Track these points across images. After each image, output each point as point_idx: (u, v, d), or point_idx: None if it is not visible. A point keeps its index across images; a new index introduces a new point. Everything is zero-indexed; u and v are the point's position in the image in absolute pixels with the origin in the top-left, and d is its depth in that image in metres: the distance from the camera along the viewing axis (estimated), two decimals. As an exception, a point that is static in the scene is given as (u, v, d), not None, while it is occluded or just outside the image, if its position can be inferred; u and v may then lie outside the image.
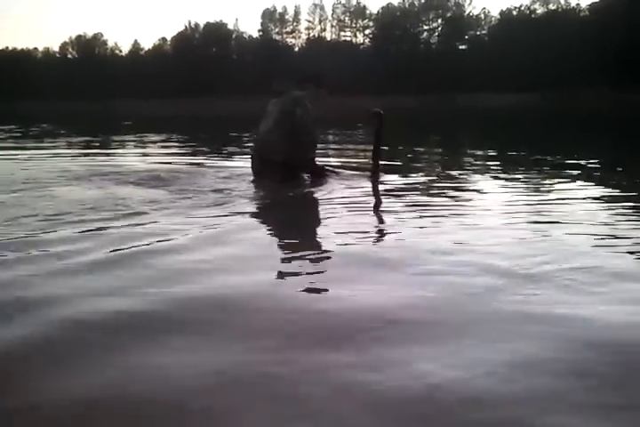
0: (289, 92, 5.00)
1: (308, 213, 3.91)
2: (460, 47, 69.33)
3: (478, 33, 70.73)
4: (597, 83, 46.10)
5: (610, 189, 4.74)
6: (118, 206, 3.79)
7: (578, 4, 65.46)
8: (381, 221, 3.55)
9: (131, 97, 61.28)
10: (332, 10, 78.15)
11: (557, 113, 25.08)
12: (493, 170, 5.89)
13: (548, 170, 5.95)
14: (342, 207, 3.79)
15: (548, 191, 4.58)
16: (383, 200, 4.25)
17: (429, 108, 36.25)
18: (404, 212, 3.63)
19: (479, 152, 8.04)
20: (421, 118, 24.83)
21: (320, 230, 3.29)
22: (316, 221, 3.56)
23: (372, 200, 4.36)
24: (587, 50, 51.70)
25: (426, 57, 65.87)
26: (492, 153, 8.01)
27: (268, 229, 3.41)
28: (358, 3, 76.58)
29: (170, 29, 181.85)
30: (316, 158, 5.26)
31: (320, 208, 3.90)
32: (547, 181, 5.16)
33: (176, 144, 10.60)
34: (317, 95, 5.06)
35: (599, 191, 4.58)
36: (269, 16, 78.71)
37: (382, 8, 74.52)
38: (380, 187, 4.81)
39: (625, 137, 11.66)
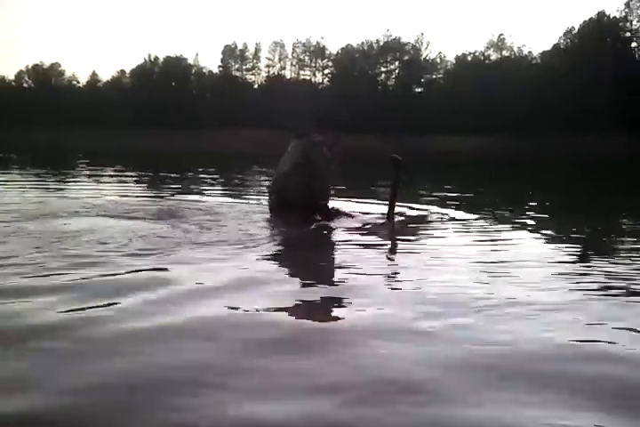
0: (310, 135, 5.07)
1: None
2: (417, 90, 70.96)
3: (434, 76, 72.56)
4: (552, 129, 47.57)
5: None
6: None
7: (530, 52, 67.56)
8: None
9: (86, 128, 60.52)
10: (293, 49, 79.41)
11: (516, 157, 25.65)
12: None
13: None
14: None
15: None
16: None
17: (389, 149, 36.68)
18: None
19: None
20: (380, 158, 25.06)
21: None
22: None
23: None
24: (542, 97, 53.31)
25: (384, 98, 67.11)
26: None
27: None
28: (318, 43, 78.04)
29: (129, 62, 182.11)
30: (332, 201, 5.28)
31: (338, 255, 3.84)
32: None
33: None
34: (336, 139, 5.19)
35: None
36: (230, 52, 79.35)
37: (341, 49, 76.07)
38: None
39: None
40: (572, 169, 20.19)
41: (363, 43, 74.71)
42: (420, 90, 70.86)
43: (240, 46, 79.48)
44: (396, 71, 73.00)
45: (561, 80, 52.39)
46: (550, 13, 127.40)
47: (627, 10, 57.20)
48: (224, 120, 64.31)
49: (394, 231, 4.83)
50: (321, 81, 78.18)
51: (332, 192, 5.33)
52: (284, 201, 5.04)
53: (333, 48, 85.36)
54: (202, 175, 12.34)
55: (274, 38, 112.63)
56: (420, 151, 34.32)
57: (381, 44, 73.18)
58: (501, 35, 68.49)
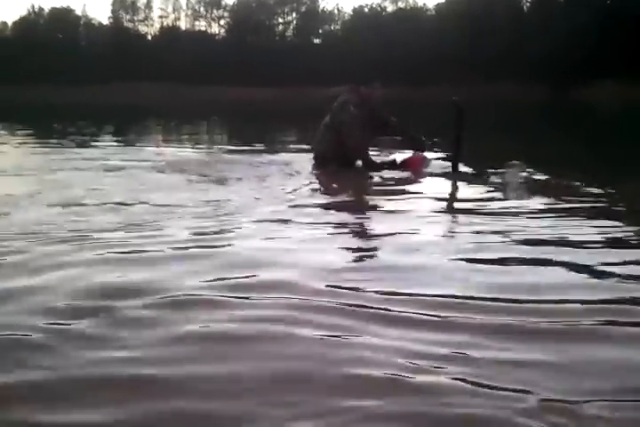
0: (339, 96, 5.41)
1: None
2: (315, 41, 70.42)
3: (332, 28, 72.14)
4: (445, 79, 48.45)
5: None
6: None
7: (424, 4, 68.32)
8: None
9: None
10: (186, -1, 76.49)
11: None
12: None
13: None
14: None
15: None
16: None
17: (288, 100, 36.49)
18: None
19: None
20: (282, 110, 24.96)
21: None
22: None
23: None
24: (435, 46, 54.08)
25: (281, 49, 66.26)
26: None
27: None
28: (213, -7, 75.51)
29: (11, 13, 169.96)
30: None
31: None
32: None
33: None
34: (368, 95, 5.36)
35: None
36: (120, 3, 75.58)
37: (238, -1, 74.09)
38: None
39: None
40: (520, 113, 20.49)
41: (259, -7, 73.04)
42: (318, 41, 70.38)
43: (131, -4, 75.82)
44: (294, 22, 72.08)
45: (457, 30, 53.31)
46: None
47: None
48: (117, 74, 61.55)
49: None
50: (217, 32, 76.22)
51: (373, 147, 5.60)
52: (322, 159, 5.43)
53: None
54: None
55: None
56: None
57: (278, -6, 71.80)
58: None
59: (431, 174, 5.09)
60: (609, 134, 11.19)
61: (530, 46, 47.73)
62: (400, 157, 5.50)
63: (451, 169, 5.02)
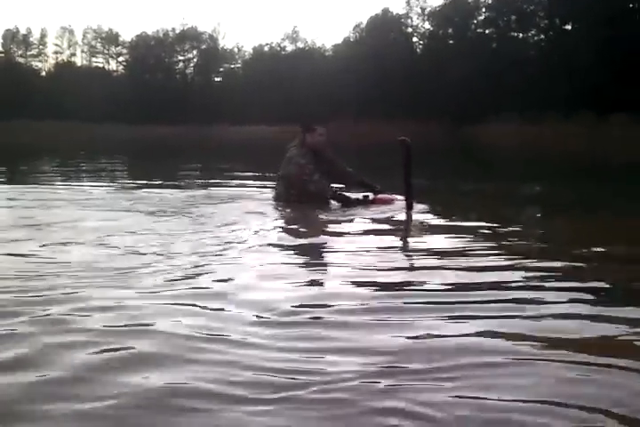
0: (288, 151, 5.62)
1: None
2: (216, 79, 70.77)
3: (233, 66, 72.79)
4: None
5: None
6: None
7: (323, 44, 70.15)
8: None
9: None
10: (83, 35, 75.11)
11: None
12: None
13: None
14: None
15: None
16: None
17: (189, 138, 36.32)
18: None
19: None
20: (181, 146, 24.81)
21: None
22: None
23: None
24: (332, 86, 55.43)
25: (182, 87, 66.13)
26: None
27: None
28: (110, 29, 74.69)
29: None
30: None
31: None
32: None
33: None
34: (314, 144, 5.57)
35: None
36: (11, 37, 73.22)
37: (136, 36, 73.55)
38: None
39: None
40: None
41: (158, 30, 72.93)
42: (219, 79, 70.76)
43: (23, 31, 73.60)
44: (195, 60, 72.24)
45: (352, 71, 54.91)
46: (340, 8, 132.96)
47: (407, 7, 61.37)
48: (8, 111, 59.16)
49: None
50: (115, 68, 75.14)
51: (331, 191, 5.56)
52: (283, 197, 5.63)
53: (127, 35, 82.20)
54: None
55: (61, 24, 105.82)
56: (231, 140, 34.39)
57: (177, 32, 71.93)
58: (295, 27, 70.50)
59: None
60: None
61: (426, 86, 49.93)
62: (370, 195, 5.67)
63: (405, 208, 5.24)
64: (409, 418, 1.51)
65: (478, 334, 2.10)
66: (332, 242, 4.02)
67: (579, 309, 2.37)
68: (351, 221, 4.83)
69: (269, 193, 6.06)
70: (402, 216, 5.07)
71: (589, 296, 2.56)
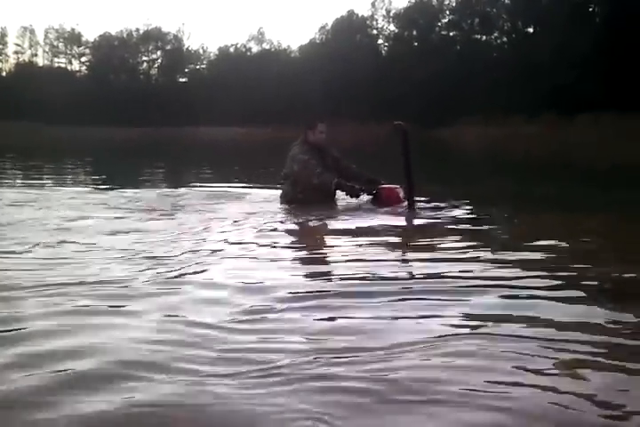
0: (291, 150, 5.66)
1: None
2: (181, 80, 70.30)
3: (198, 67, 72.39)
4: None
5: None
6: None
7: (289, 46, 70.19)
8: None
9: None
10: (45, 34, 73.93)
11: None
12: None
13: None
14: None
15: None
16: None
17: (153, 140, 35.95)
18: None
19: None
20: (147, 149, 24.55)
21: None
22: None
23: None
24: (298, 87, 55.42)
25: (146, 88, 65.51)
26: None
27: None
28: (73, 29, 73.64)
29: None
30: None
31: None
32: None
33: None
34: (317, 141, 5.63)
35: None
36: (-30, 37, 71.70)
37: (99, 36, 72.67)
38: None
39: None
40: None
41: (122, 31, 72.22)
42: (184, 80, 70.29)
43: (-18, 31, 72.09)
44: (159, 60, 71.66)
45: (318, 72, 54.95)
46: (306, 9, 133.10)
47: (372, 9, 61.74)
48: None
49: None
50: (78, 69, 74.09)
51: (335, 180, 5.44)
52: (289, 195, 5.70)
53: (90, 35, 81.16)
54: None
55: (22, 23, 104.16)
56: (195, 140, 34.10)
57: (141, 32, 71.28)
58: (261, 28, 70.42)
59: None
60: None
61: (391, 88, 50.17)
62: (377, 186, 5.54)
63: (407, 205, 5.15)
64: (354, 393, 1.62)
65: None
66: (320, 244, 4.15)
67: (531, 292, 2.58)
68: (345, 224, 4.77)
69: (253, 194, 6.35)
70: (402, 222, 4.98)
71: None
